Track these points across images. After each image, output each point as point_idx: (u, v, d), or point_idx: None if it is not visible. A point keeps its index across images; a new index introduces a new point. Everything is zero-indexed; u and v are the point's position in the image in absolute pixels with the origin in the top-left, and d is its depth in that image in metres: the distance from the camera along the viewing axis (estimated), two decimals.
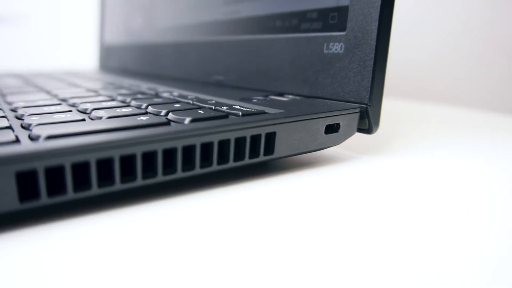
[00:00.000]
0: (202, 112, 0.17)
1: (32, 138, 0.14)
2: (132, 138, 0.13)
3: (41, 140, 0.13)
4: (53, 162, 0.12)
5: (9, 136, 0.13)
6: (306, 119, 0.17)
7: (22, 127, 0.16)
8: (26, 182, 0.12)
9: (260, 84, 0.26)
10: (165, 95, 0.24)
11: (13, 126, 0.15)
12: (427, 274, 0.10)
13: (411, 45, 0.50)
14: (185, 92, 0.25)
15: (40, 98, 0.23)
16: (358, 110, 0.19)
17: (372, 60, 0.19)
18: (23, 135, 0.14)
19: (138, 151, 0.14)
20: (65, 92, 0.25)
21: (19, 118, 0.17)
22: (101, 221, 0.13)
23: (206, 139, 0.15)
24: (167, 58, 0.37)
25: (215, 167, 0.16)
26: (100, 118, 0.17)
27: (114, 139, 0.13)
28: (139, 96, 0.23)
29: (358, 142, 0.23)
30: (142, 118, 0.16)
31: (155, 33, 0.39)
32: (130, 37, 0.45)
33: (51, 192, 0.12)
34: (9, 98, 0.23)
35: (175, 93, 0.24)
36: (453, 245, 0.12)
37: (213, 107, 0.19)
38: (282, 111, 0.18)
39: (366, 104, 0.19)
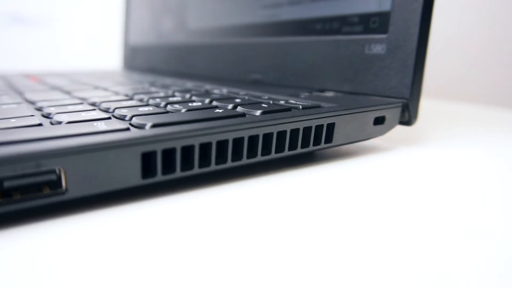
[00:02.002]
0: (266, 105, 0.20)
1: (136, 126, 0.16)
2: (225, 125, 0.16)
3: (147, 127, 0.15)
4: (169, 145, 0.14)
5: (122, 125, 0.16)
6: (359, 111, 0.20)
7: (116, 117, 0.18)
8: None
9: (299, 81, 0.28)
10: (216, 91, 0.26)
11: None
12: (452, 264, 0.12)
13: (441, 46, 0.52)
14: (232, 89, 0.27)
15: (106, 94, 0.25)
16: (400, 104, 0.22)
17: (413, 60, 0.21)
18: (125, 124, 0.16)
19: (230, 137, 0.16)
20: (123, 89, 0.27)
21: (106, 110, 0.20)
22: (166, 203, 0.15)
23: (281, 128, 0.17)
24: (201, 58, 0.39)
25: (286, 153, 0.18)
26: (179, 111, 0.19)
27: (213, 126, 0.15)
28: (194, 92, 0.26)
29: (394, 133, 0.26)
30: (219, 110, 0.19)
31: (187, 34, 0.41)
32: (159, 38, 0.47)
33: (164, 171, 0.15)
34: (77, 94, 0.25)
35: (224, 90, 0.27)
36: (473, 234, 0.14)
37: (271, 102, 0.21)
38: (335, 105, 0.20)
39: (407, 99, 0.22)
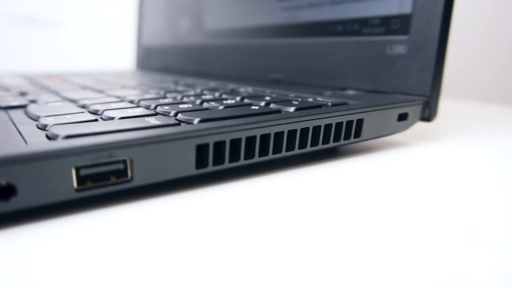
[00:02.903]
0: (297, 103, 0.21)
1: (184, 122, 0.17)
2: (268, 120, 0.17)
3: (195, 122, 0.17)
4: (219, 138, 0.16)
5: (171, 120, 0.17)
6: (385, 108, 0.21)
7: (160, 114, 0.19)
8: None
9: (319, 80, 0.29)
10: (242, 90, 0.27)
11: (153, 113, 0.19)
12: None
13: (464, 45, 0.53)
14: (256, 88, 0.28)
15: (138, 92, 0.26)
16: (422, 101, 0.23)
17: (434, 59, 0.23)
18: (173, 119, 0.18)
19: (272, 131, 0.17)
20: (151, 88, 0.29)
21: (148, 107, 0.21)
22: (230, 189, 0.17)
23: (316, 123, 0.18)
24: (218, 57, 0.40)
25: (320, 146, 0.19)
26: (217, 107, 0.20)
27: (257, 121, 0.17)
28: (221, 91, 0.27)
29: (414, 129, 0.27)
30: (255, 107, 0.20)
31: (205, 35, 0.43)
32: (174, 38, 0.49)
33: (214, 162, 0.16)
34: (111, 93, 0.26)
35: (249, 89, 0.28)
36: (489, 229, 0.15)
37: (299, 99, 0.22)
38: (361, 102, 0.22)
39: (428, 97, 0.23)
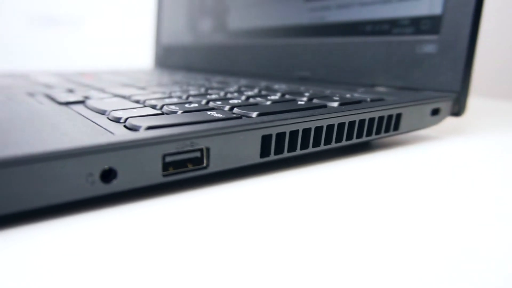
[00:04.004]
0: (337, 98, 0.22)
1: (243, 115, 0.18)
2: (321, 114, 0.18)
3: (254, 116, 0.18)
4: (280, 129, 0.17)
5: (231, 114, 0.18)
6: (421, 103, 0.22)
7: (215, 108, 0.20)
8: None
9: (348, 78, 0.31)
10: (277, 87, 0.29)
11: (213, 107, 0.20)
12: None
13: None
14: (288, 85, 0.30)
15: (179, 89, 0.28)
16: (453, 97, 0.24)
17: (464, 58, 0.24)
18: (230, 113, 0.19)
19: (324, 124, 0.19)
20: (187, 85, 0.30)
21: (199, 103, 0.22)
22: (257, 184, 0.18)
23: (361, 116, 0.20)
24: (243, 56, 0.42)
25: (364, 138, 0.21)
26: (264, 102, 0.22)
27: (312, 114, 0.18)
28: (258, 87, 0.28)
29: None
30: (301, 102, 0.21)
31: (228, 35, 0.44)
32: (195, 38, 0.50)
33: (275, 152, 0.17)
34: (153, 90, 0.27)
35: (283, 86, 0.29)
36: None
37: (337, 95, 0.24)
38: (396, 98, 0.23)
39: (458, 92, 0.24)
